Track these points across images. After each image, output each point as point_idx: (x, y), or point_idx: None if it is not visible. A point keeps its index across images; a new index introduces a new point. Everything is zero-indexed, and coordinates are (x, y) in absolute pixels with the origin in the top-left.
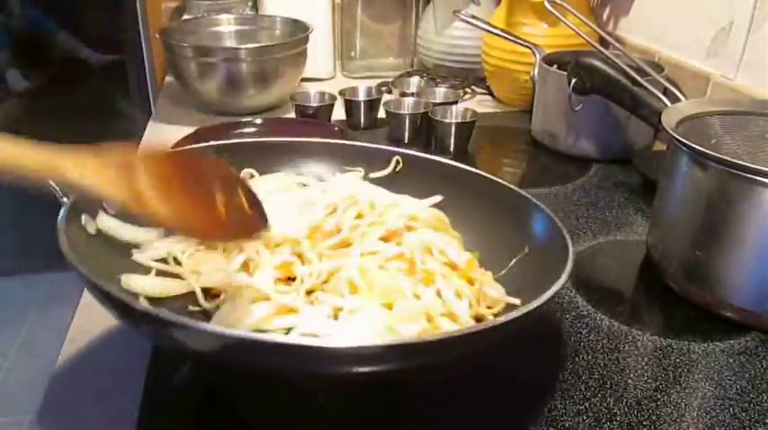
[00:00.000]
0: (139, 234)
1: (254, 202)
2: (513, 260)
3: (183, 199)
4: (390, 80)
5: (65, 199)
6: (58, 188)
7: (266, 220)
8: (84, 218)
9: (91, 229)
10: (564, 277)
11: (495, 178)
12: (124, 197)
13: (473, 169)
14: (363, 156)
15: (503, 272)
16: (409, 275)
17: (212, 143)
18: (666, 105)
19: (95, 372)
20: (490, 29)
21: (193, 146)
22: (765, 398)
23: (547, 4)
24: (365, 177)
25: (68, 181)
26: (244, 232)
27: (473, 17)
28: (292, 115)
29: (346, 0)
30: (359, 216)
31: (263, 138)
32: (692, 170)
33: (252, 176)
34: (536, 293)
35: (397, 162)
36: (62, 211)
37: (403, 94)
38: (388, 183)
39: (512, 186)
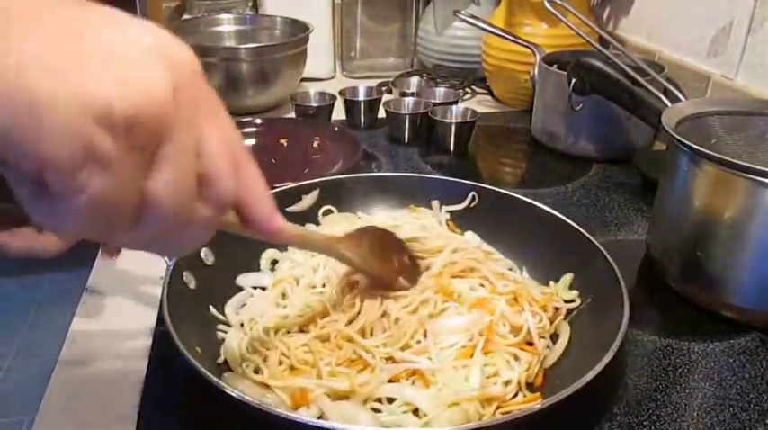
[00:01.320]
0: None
1: (413, 258)
2: (579, 308)
3: (381, 259)
4: (390, 80)
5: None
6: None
7: (418, 268)
8: (185, 274)
9: (191, 285)
10: (613, 349)
11: (566, 219)
12: (359, 264)
13: (545, 207)
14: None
15: (571, 316)
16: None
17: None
18: (666, 105)
19: (95, 372)
20: (490, 29)
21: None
22: (765, 398)
23: (547, 4)
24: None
25: (339, 256)
26: (409, 279)
27: (473, 17)
28: (292, 115)
29: (346, 0)
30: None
31: (340, 176)
32: (692, 170)
33: (331, 212)
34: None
35: (473, 197)
36: (167, 272)
37: (403, 94)
38: (459, 216)
39: (582, 231)
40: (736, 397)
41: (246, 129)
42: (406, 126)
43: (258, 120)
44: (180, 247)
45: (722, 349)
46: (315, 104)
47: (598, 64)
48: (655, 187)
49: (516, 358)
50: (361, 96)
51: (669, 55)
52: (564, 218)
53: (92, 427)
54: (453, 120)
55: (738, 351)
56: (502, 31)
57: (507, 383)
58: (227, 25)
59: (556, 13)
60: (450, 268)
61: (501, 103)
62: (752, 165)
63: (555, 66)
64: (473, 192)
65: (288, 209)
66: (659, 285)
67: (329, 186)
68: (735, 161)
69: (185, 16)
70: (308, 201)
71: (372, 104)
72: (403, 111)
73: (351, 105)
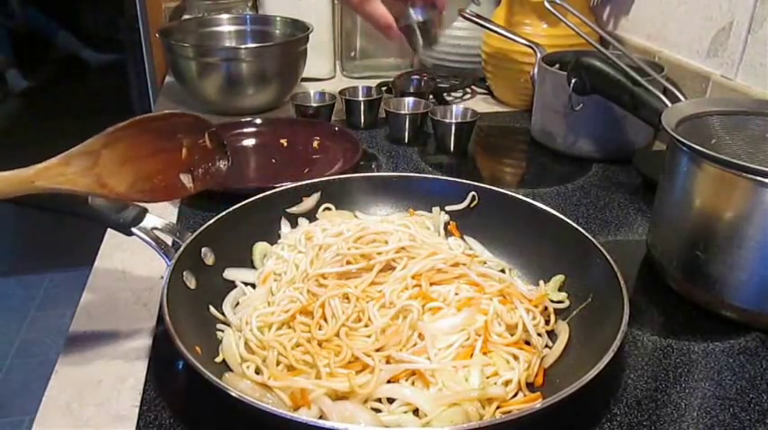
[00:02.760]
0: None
1: (218, 141)
2: (578, 308)
3: (150, 157)
4: (390, 80)
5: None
6: (160, 249)
7: (226, 154)
8: (185, 274)
9: (191, 284)
10: (611, 352)
11: (566, 219)
12: (87, 186)
13: (545, 206)
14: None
15: (570, 316)
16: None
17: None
18: (666, 105)
19: (95, 372)
20: (495, 28)
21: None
22: (765, 398)
23: (547, 4)
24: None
25: (39, 188)
26: (204, 173)
27: (477, 16)
28: (292, 115)
29: None
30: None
31: (340, 176)
32: (692, 170)
33: (329, 209)
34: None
35: (473, 197)
36: (167, 272)
37: (403, 94)
38: (459, 216)
39: (582, 230)
40: (736, 397)
41: (246, 129)
42: (406, 126)
43: (258, 120)
44: None
45: (722, 349)
46: (315, 104)
47: (598, 64)
48: (655, 187)
49: (515, 358)
50: (361, 96)
51: (669, 55)
52: (564, 218)
53: (92, 427)
54: (453, 121)
55: (738, 351)
56: (505, 30)
57: (507, 383)
58: (227, 25)
59: (556, 13)
60: (428, 274)
61: (501, 103)
62: (752, 165)
63: (555, 66)
64: (473, 193)
65: (288, 210)
66: (659, 285)
67: (329, 187)
68: (735, 161)
69: (185, 16)
70: (308, 203)
71: (372, 104)
72: (403, 112)
73: (351, 105)
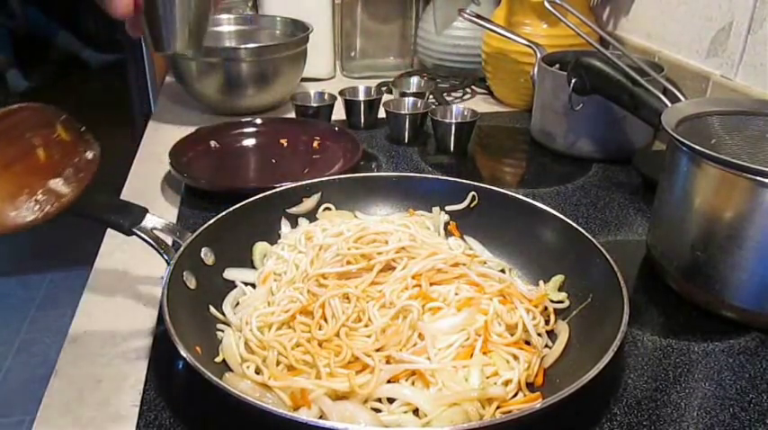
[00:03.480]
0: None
1: (75, 129)
2: (578, 308)
3: (5, 171)
4: (390, 80)
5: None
6: (160, 249)
7: (89, 141)
8: (185, 274)
9: (191, 284)
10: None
11: (566, 219)
12: None
13: (545, 206)
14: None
15: (570, 316)
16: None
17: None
18: (666, 105)
19: (95, 372)
20: (495, 28)
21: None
22: (765, 398)
23: (547, 4)
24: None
25: None
26: (76, 171)
27: (477, 16)
28: (292, 115)
29: (346, 0)
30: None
31: (338, 176)
32: (692, 170)
33: (328, 209)
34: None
35: (473, 197)
36: (167, 272)
37: (403, 94)
38: (459, 216)
39: (582, 230)
40: (736, 397)
41: (246, 129)
42: (406, 126)
43: (258, 120)
44: None
45: (722, 349)
46: (315, 104)
47: (598, 64)
48: (655, 187)
49: (515, 358)
50: (361, 96)
51: (669, 55)
52: (564, 218)
53: (92, 427)
54: (453, 121)
55: (738, 351)
56: (505, 30)
57: (507, 383)
58: (227, 25)
59: (556, 13)
60: (428, 274)
61: (501, 103)
62: (752, 165)
63: (555, 66)
64: (473, 193)
65: (288, 210)
66: (659, 285)
67: (329, 187)
68: (735, 161)
69: None
70: (308, 204)
71: (372, 104)
72: (403, 112)
73: (351, 105)
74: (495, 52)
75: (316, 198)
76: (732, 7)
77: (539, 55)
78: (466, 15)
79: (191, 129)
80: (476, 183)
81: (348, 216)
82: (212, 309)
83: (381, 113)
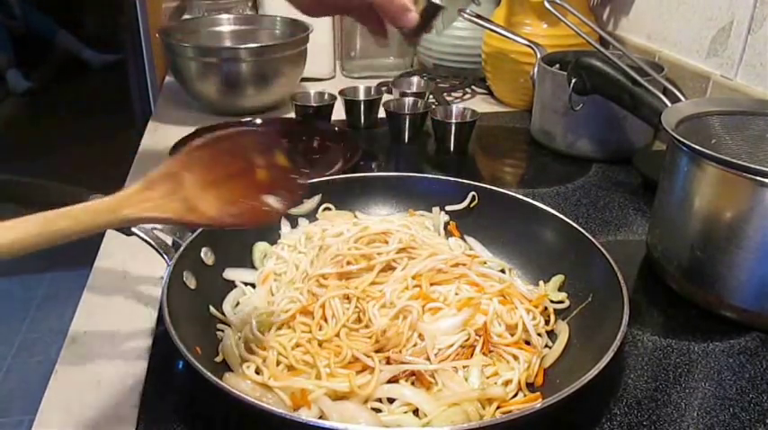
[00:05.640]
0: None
1: (290, 158)
2: (578, 308)
3: (229, 180)
4: (390, 80)
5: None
6: (160, 249)
7: (302, 170)
8: (185, 274)
9: (191, 284)
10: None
11: (566, 219)
12: (176, 212)
13: (545, 206)
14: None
15: (570, 316)
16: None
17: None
18: (666, 105)
19: (95, 372)
20: (495, 28)
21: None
22: (765, 398)
23: (547, 4)
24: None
25: (127, 219)
26: (288, 192)
27: (477, 16)
28: (292, 115)
29: None
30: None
31: (336, 176)
32: (692, 170)
33: (329, 209)
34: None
35: (473, 197)
36: (167, 272)
37: (403, 94)
38: (458, 216)
39: (582, 230)
40: (736, 397)
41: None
42: (406, 126)
43: (258, 121)
44: None
45: (722, 349)
46: (315, 104)
47: (598, 64)
48: (655, 187)
49: (515, 358)
50: (361, 96)
51: (669, 55)
52: (564, 217)
53: (91, 427)
54: (453, 121)
55: (738, 351)
56: (505, 30)
57: (507, 383)
58: (227, 25)
59: (556, 13)
60: (428, 275)
61: (501, 103)
62: (752, 165)
63: (555, 66)
64: (473, 192)
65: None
66: (659, 285)
67: (329, 188)
68: (735, 161)
69: (185, 16)
70: (309, 205)
71: (372, 104)
72: (403, 112)
73: (351, 105)
74: (495, 52)
75: (316, 199)
76: (732, 7)
77: (539, 55)
78: (466, 15)
79: (191, 129)
80: (476, 183)
81: (348, 216)
82: (212, 309)
83: (381, 113)
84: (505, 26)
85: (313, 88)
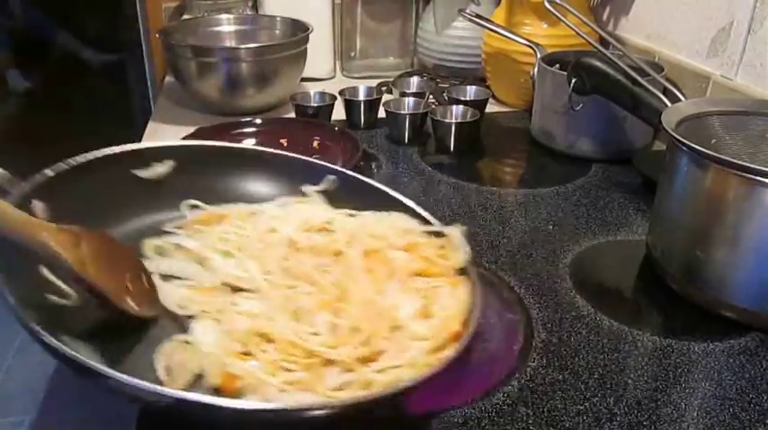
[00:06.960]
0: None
1: (151, 285)
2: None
3: (107, 271)
4: (390, 80)
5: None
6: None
7: (155, 296)
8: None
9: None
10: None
11: (416, 207)
12: (75, 259)
13: (395, 194)
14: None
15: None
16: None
17: (151, 145)
18: (666, 105)
19: None
20: (495, 28)
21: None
22: (765, 398)
23: (547, 4)
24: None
25: (41, 244)
26: (146, 307)
27: (477, 16)
28: (292, 115)
29: (346, 0)
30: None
31: (213, 143)
32: (692, 170)
33: (197, 207)
34: None
35: (334, 181)
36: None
37: (403, 94)
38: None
39: (432, 219)
40: (736, 397)
41: (246, 129)
42: (406, 126)
43: (258, 121)
44: None
45: (722, 349)
46: (315, 104)
47: (598, 64)
48: (655, 187)
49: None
50: (361, 96)
51: (669, 55)
52: (415, 206)
53: (91, 427)
54: (453, 121)
55: (738, 351)
56: (505, 30)
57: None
58: (227, 25)
59: (556, 13)
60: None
61: (501, 102)
62: (752, 165)
63: (555, 66)
64: (332, 176)
65: (137, 173)
66: (659, 285)
67: (188, 156)
68: (735, 161)
69: (185, 16)
70: (159, 169)
71: (372, 104)
72: (403, 112)
73: (351, 105)
74: (495, 52)
75: (169, 164)
76: (732, 7)
77: (539, 55)
78: (466, 15)
79: (190, 129)
80: (335, 167)
81: (243, 209)
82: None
83: (381, 113)
84: (505, 26)
85: (313, 88)
